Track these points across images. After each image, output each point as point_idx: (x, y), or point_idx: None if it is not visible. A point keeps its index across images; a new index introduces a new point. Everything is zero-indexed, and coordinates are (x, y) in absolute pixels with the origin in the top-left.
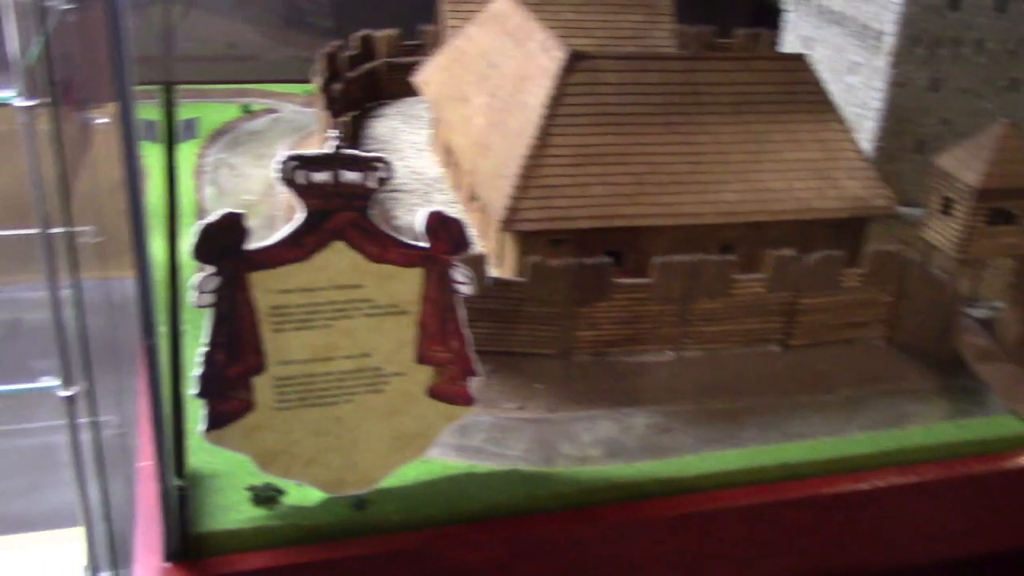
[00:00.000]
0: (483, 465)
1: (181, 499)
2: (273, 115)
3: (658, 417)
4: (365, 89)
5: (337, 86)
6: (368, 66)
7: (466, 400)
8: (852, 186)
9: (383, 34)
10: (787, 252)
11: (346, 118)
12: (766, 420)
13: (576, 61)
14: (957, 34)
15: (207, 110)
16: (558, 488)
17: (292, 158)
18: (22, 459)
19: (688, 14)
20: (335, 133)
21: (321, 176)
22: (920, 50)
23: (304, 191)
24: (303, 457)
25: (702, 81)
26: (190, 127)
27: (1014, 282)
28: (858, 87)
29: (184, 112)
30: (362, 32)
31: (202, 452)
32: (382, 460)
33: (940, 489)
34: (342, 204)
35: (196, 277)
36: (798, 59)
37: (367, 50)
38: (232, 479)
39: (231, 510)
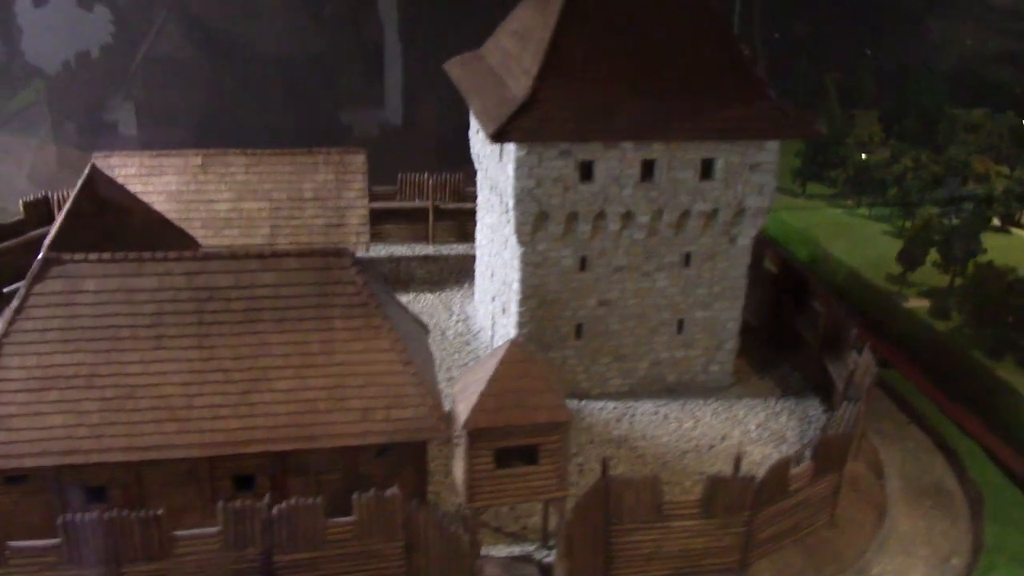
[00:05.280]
0: None
1: None
2: None
3: None
4: None
5: None
6: None
7: None
8: (387, 403)
9: None
10: (248, 499)
11: None
12: None
13: (48, 267)
14: (595, 207)
15: None
16: None
17: None
18: None
19: (441, 162)
20: None
21: None
22: (554, 227)
23: None
24: None
25: (212, 285)
26: None
27: (558, 532)
28: (509, 263)
29: None
30: None
31: None
32: None
33: None
34: None
35: None
36: (338, 256)
37: None
38: None
39: None
